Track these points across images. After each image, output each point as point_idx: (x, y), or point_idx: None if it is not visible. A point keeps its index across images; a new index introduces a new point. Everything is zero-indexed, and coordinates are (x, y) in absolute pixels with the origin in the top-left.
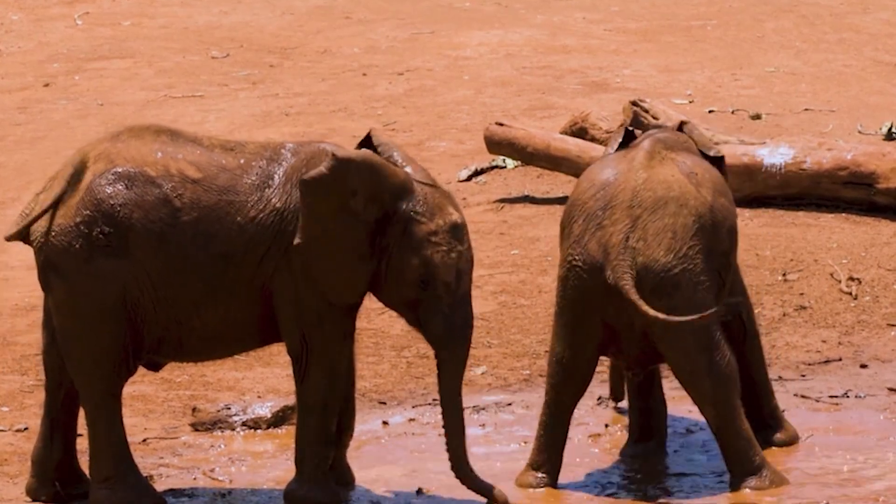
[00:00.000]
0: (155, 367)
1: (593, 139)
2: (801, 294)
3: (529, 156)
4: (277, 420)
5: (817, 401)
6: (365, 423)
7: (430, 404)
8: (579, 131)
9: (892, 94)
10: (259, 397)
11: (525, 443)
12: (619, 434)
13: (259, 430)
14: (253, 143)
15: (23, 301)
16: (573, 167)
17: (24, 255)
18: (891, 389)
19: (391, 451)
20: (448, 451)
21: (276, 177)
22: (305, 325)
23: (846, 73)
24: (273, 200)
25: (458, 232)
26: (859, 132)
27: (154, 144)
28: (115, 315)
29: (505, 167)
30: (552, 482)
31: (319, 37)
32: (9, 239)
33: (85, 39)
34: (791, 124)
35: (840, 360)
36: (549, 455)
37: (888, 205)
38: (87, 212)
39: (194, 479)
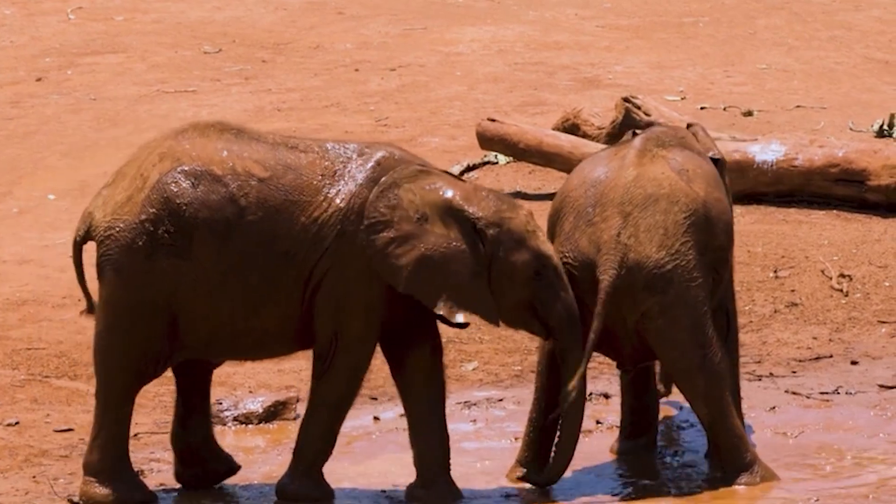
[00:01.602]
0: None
1: (585, 135)
2: (793, 291)
3: (521, 152)
4: (268, 415)
5: (808, 397)
6: (356, 419)
7: None
8: (571, 127)
9: (883, 91)
10: (250, 392)
11: (516, 439)
12: (610, 431)
13: (250, 426)
14: (316, 142)
15: (14, 295)
16: (565, 163)
17: (16, 249)
18: (881, 386)
19: (382, 447)
20: (559, 443)
21: (341, 177)
22: (341, 323)
23: (838, 70)
24: (336, 200)
25: (533, 218)
26: (851, 129)
27: (219, 142)
28: (159, 316)
29: (497, 163)
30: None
31: (312, 32)
32: (79, 244)
33: (77, 34)
34: (783, 121)
35: (831, 356)
36: (538, 452)
37: (879, 202)
38: (154, 210)
39: None
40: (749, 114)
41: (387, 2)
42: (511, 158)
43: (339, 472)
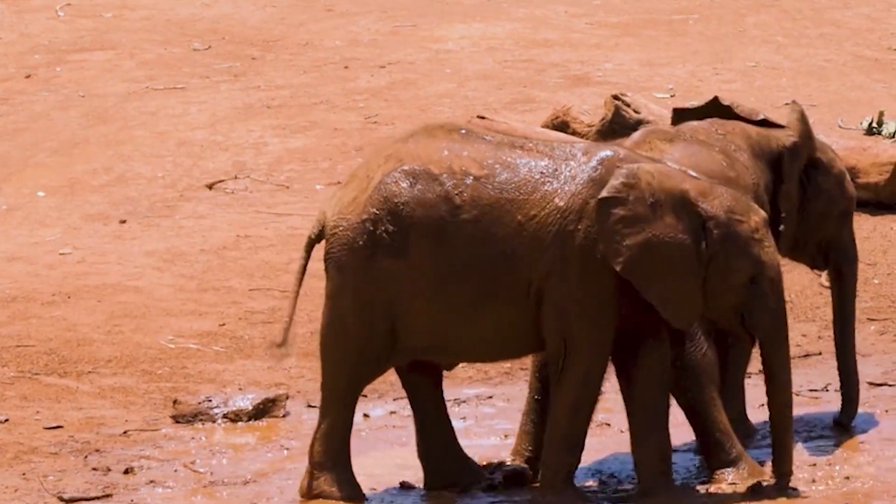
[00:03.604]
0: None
1: (575, 133)
2: None
3: None
4: (258, 412)
5: (797, 394)
6: None
7: None
8: (561, 125)
9: (872, 88)
10: (240, 389)
11: (506, 436)
12: (602, 427)
13: (240, 423)
14: (543, 141)
15: (3, 292)
16: None
17: (5, 246)
18: (870, 383)
19: (372, 444)
20: (775, 457)
21: (562, 175)
22: (567, 328)
23: (827, 67)
24: (555, 199)
25: (768, 226)
26: (840, 127)
27: (443, 142)
28: (379, 317)
29: None
30: (535, 472)
31: (301, 29)
32: (311, 242)
33: (66, 31)
34: (772, 119)
35: (820, 353)
36: (533, 445)
37: (868, 199)
38: (374, 209)
39: (175, 471)
40: None
41: None
42: None
43: None
